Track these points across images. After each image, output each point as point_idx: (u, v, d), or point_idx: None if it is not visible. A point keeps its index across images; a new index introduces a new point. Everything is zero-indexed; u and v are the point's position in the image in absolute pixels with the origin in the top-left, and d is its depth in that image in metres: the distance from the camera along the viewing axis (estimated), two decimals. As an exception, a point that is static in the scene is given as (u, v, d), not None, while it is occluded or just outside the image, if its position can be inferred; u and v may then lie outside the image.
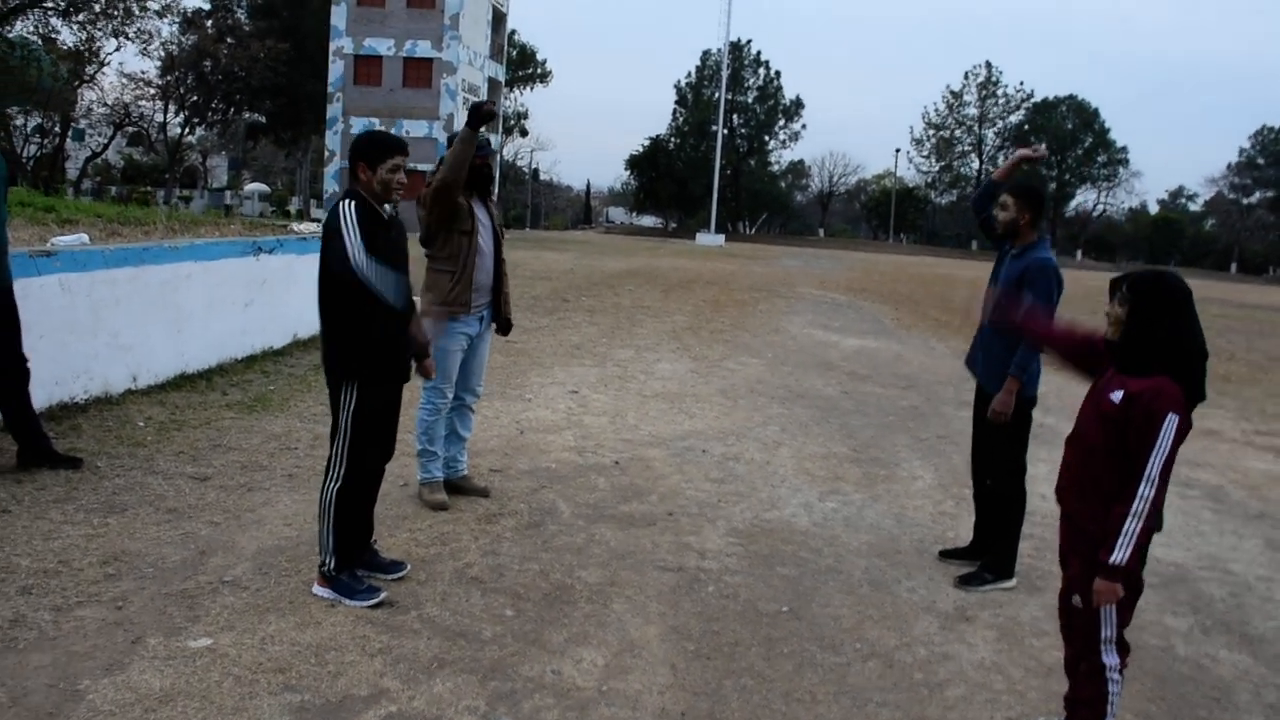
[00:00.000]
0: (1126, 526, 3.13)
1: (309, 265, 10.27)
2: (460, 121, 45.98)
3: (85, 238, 8.78)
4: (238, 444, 6.51)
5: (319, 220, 49.09)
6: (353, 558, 4.35)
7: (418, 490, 5.66)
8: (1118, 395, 3.22)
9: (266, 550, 4.75)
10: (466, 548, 4.99)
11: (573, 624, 4.22)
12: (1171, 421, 3.10)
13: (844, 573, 5.08)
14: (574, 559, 4.95)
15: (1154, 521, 3.15)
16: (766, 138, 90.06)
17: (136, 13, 46.04)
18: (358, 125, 47.31)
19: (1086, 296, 27.36)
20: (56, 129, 55.81)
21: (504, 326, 5.76)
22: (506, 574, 4.69)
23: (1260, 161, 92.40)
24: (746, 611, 4.49)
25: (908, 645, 4.29)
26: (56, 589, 4.11)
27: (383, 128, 46.18)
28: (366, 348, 4.18)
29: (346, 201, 4.14)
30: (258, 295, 9.35)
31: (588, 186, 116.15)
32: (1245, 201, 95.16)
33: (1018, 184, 5.15)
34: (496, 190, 52.52)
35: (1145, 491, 3.10)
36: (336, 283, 4.08)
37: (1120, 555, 3.13)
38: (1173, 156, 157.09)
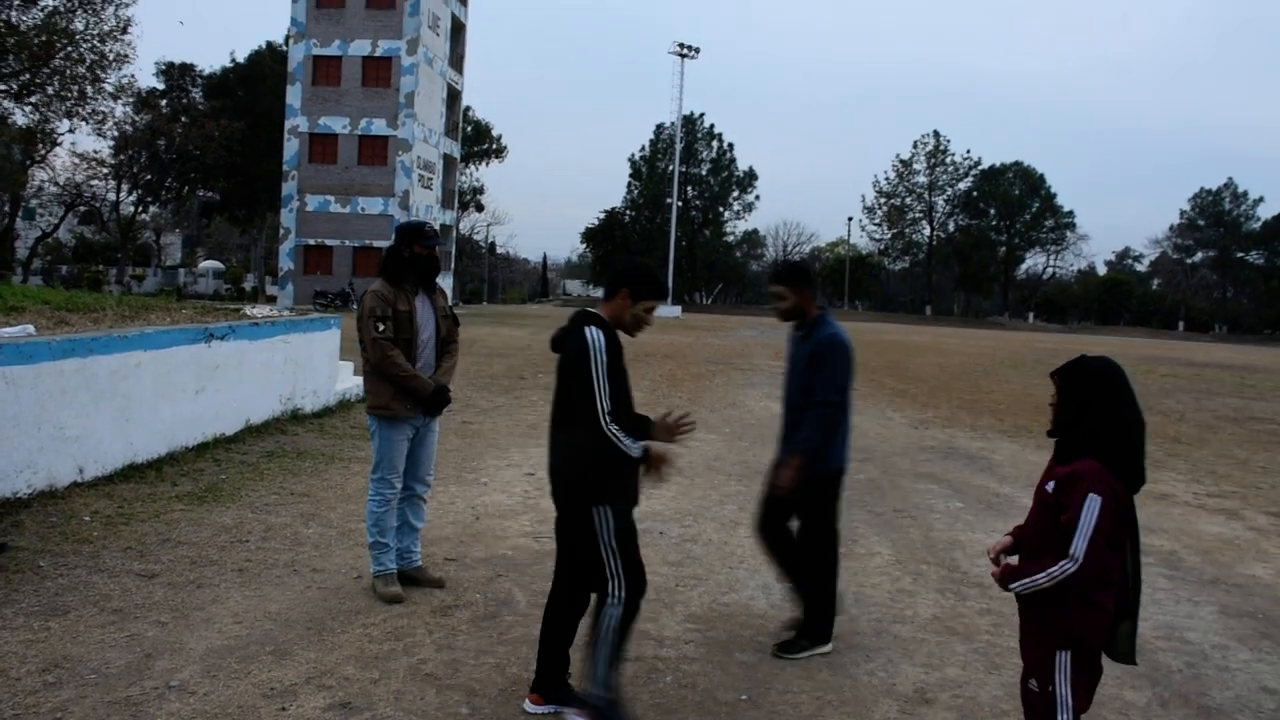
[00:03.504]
0: (1036, 577, 3.23)
1: (262, 351, 10.24)
2: (415, 199, 46.17)
3: (31, 328, 8.65)
4: (187, 538, 6.39)
5: (274, 298, 48.86)
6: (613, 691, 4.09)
7: (371, 583, 5.57)
8: (1051, 485, 3.30)
9: (215, 651, 4.64)
10: (421, 642, 4.90)
11: (529, 721, 4.15)
12: (1093, 501, 3.14)
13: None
14: (530, 651, 4.84)
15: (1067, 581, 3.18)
16: (721, 209, 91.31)
17: (90, 94, 46.08)
18: (313, 203, 47.35)
19: (1039, 361, 27.79)
20: (6, 209, 55.35)
21: (441, 394, 5.54)
22: (462, 669, 4.61)
23: (1200, 223, 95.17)
24: (705, 701, 4.43)
25: (868, 732, 4.25)
26: (-7, 701, 3.98)
27: (338, 205, 46.36)
28: (620, 469, 3.99)
29: (596, 332, 3.95)
30: (209, 382, 9.25)
31: (544, 259, 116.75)
32: (1189, 261, 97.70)
33: (781, 270, 5.24)
34: (453, 263, 52.21)
35: (1067, 566, 3.16)
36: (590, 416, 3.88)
37: (1017, 586, 3.28)
38: (1118, 219, 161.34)
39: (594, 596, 4.13)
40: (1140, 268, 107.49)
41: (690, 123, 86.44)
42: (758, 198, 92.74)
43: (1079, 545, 3.14)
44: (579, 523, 4.02)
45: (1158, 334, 77.46)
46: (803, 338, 5.08)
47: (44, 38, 42.33)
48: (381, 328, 5.34)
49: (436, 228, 5.66)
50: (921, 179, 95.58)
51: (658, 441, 4.01)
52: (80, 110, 46.73)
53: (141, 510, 6.96)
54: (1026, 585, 3.25)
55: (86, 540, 6.17)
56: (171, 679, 4.30)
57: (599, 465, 3.94)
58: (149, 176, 59.97)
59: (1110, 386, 3.30)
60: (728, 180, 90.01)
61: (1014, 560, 3.44)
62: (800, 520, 5.13)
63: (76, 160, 56.13)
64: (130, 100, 53.11)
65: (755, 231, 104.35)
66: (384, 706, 4.18)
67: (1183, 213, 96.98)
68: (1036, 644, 3.34)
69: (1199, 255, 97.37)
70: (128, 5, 44.44)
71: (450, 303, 5.86)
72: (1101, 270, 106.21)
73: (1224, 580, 6.92)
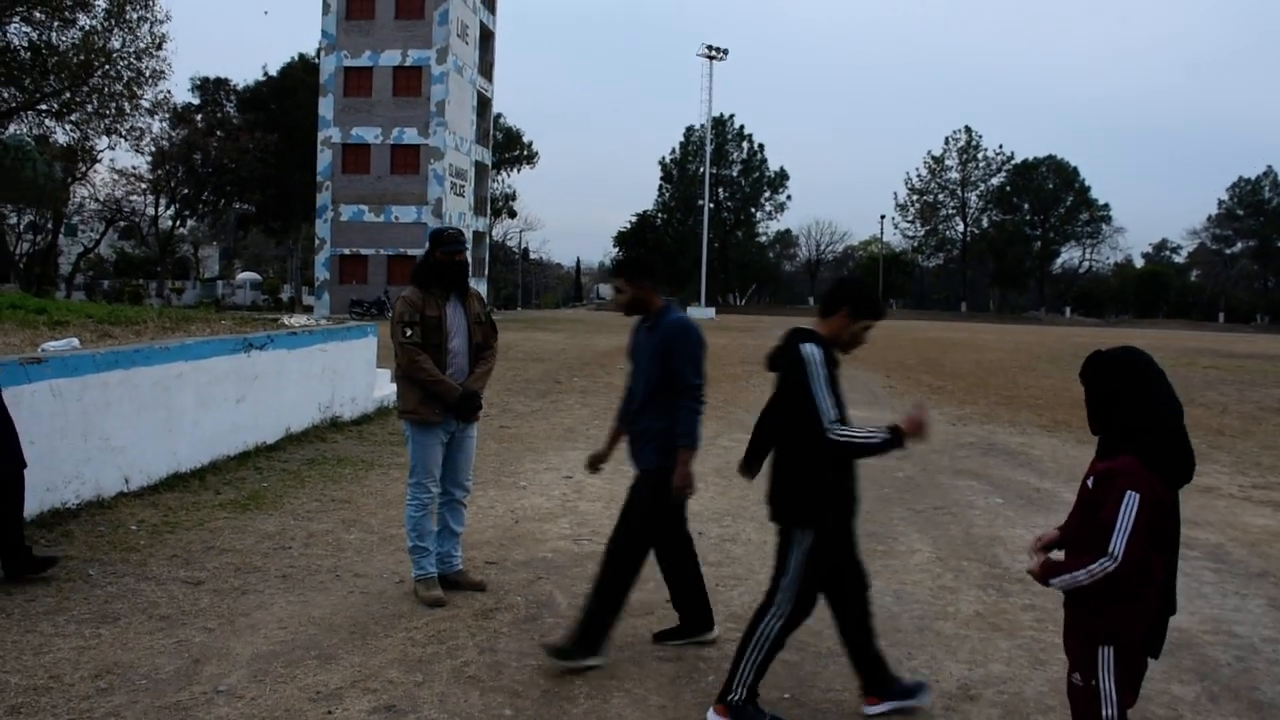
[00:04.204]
0: (1076, 574, 3.20)
1: (300, 360, 10.35)
2: (448, 207, 46.44)
3: (76, 341, 8.82)
4: (231, 545, 6.47)
5: (311, 308, 49.35)
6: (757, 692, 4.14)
7: (413, 587, 5.62)
8: (1090, 480, 3.27)
9: (261, 656, 4.69)
10: (464, 645, 4.94)
11: (572, 721, 4.17)
12: (1130, 499, 3.10)
13: (844, 655, 5.01)
14: (572, 652, 4.89)
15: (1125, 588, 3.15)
16: (753, 209, 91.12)
17: (128, 111, 46.73)
18: (347, 213, 47.80)
19: (1077, 355, 27.51)
20: (49, 225, 56.27)
21: (469, 399, 5.51)
22: (504, 671, 4.64)
23: (1239, 212, 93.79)
24: (748, 700, 4.42)
25: (912, 729, 4.23)
26: (47, 707, 4.05)
27: (372, 214, 46.74)
28: (833, 488, 4.06)
29: (814, 349, 4.00)
30: (249, 391, 9.37)
31: (577, 264, 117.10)
32: (1228, 252, 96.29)
33: (620, 262, 5.23)
34: (486, 269, 52.39)
35: (1106, 564, 3.12)
36: (808, 434, 3.94)
37: (1057, 581, 3.27)
38: (1154, 210, 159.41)
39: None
40: (1178, 259, 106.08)
41: (720, 124, 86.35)
42: (789, 198, 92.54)
43: (1117, 543, 3.10)
44: (781, 538, 4.12)
45: (1198, 325, 76.40)
46: (650, 328, 4.94)
47: (82, 57, 42.98)
48: (409, 333, 5.39)
49: (461, 233, 5.62)
50: (954, 175, 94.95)
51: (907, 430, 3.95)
52: (119, 127, 47.40)
53: (186, 519, 7.06)
54: (1066, 581, 3.23)
55: (134, 549, 6.27)
56: (219, 684, 4.36)
57: (811, 486, 4.02)
58: (186, 190, 60.77)
59: (1129, 377, 3.25)
60: (759, 181, 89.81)
61: (1058, 555, 3.41)
62: (627, 518, 4.88)
63: (116, 176, 57.08)
64: (167, 116, 53.86)
65: (788, 231, 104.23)
66: (428, 709, 4.21)
67: (1221, 202, 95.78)
68: (1079, 639, 3.31)
69: (1238, 245, 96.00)
70: (163, 23, 45.11)
71: (488, 308, 5.89)
72: (1139, 263, 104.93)
73: (1273, 572, 6.81)
